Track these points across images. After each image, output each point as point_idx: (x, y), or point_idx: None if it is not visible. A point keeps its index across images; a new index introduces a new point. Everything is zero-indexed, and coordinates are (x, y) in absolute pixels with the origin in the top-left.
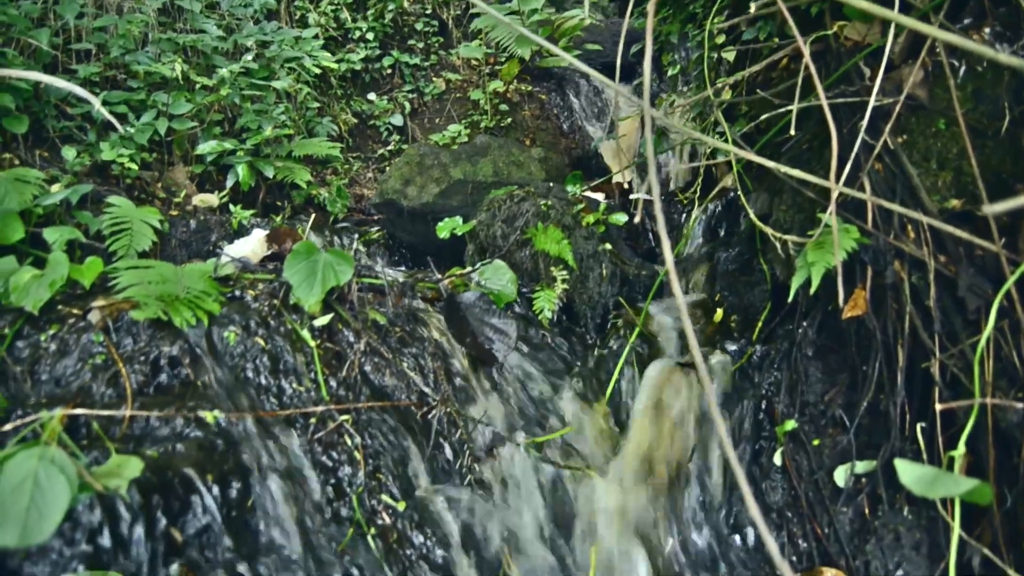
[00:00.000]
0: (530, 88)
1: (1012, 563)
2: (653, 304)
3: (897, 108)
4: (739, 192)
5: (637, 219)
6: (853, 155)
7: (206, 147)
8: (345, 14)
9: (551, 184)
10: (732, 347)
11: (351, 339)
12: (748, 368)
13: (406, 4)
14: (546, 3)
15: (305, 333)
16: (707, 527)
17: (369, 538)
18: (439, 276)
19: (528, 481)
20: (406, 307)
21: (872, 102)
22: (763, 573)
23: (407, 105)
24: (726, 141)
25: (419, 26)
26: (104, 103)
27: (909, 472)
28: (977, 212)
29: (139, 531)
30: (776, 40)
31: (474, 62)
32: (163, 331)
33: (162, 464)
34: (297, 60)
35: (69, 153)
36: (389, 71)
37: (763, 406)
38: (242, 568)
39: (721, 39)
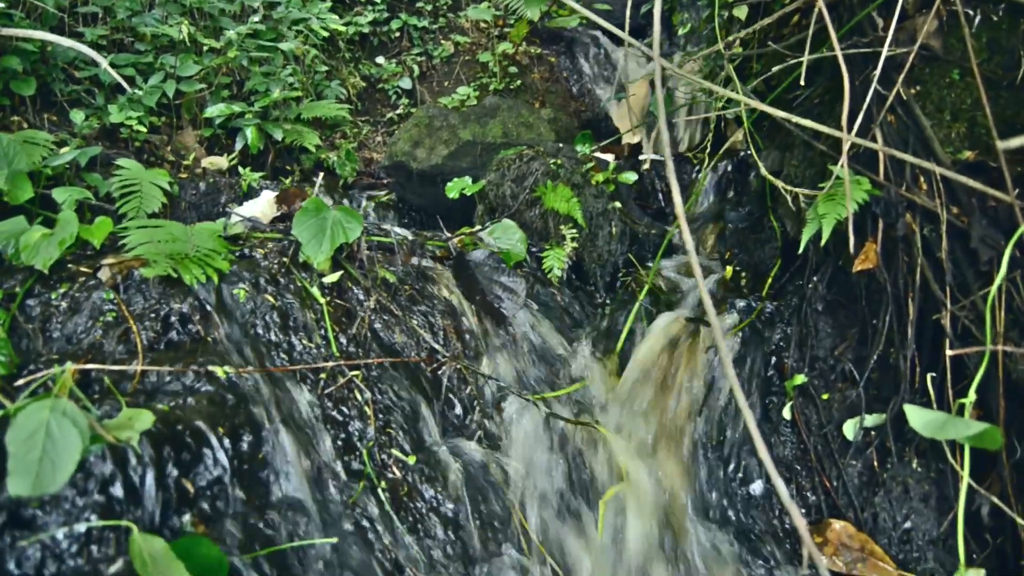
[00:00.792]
0: (539, 51)
1: (1021, 513)
2: (663, 262)
3: (911, 58)
4: (750, 149)
5: (646, 167)
6: (865, 106)
7: (214, 110)
8: None
9: (560, 144)
10: (742, 304)
11: (361, 297)
12: (758, 324)
13: None
14: None
15: (315, 290)
16: (716, 481)
17: (379, 491)
18: (448, 235)
19: (538, 435)
20: (416, 266)
21: (885, 52)
22: (773, 520)
23: (416, 68)
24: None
25: None
26: (112, 65)
27: (919, 416)
28: (991, 164)
29: (151, 482)
30: None
31: (483, 24)
32: (173, 288)
33: (173, 418)
34: (304, 22)
35: (77, 116)
36: (397, 34)
37: (772, 361)
38: (253, 519)
39: None
